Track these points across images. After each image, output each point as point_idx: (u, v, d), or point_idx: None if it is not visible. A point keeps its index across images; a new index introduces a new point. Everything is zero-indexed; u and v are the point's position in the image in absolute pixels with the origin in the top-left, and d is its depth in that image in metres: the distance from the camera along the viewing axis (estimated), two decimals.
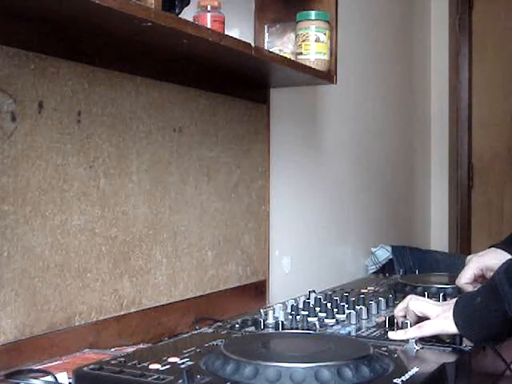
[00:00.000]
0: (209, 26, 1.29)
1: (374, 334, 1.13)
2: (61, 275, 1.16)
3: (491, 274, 1.34)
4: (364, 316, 1.25)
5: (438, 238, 3.22)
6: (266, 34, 1.73)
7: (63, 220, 1.16)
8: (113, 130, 1.27)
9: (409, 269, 2.27)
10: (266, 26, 1.73)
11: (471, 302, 1.05)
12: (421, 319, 1.10)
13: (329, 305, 1.30)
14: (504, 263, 1.05)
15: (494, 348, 1.08)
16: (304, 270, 2.02)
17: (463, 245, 3.33)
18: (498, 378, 1.16)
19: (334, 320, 1.23)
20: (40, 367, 1.04)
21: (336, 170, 2.25)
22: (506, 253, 1.37)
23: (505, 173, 3.33)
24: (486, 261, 1.38)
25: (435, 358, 0.97)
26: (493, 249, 1.41)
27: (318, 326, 1.18)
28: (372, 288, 1.61)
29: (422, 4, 3.17)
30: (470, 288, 1.37)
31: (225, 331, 1.13)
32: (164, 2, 1.11)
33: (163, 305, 1.40)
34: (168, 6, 1.18)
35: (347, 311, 1.26)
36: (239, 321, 1.20)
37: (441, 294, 1.35)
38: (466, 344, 1.04)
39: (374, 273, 2.33)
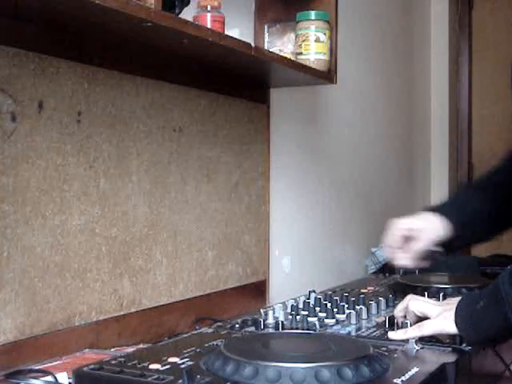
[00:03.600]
0: (209, 26, 1.29)
1: (374, 334, 1.13)
2: (61, 275, 1.16)
3: (421, 235, 1.33)
4: (364, 316, 1.25)
5: None
6: (266, 34, 1.73)
7: (63, 220, 1.16)
8: (113, 129, 1.27)
9: (409, 269, 2.27)
10: (265, 26, 1.73)
11: (473, 304, 1.05)
12: (421, 319, 1.10)
13: (329, 305, 1.30)
14: (508, 268, 1.05)
15: (494, 348, 1.08)
16: (304, 270, 2.02)
17: None
18: (498, 378, 1.16)
19: (334, 320, 1.23)
20: (40, 367, 1.04)
21: (336, 170, 2.25)
22: (438, 216, 1.34)
23: None
24: (414, 222, 1.35)
25: (435, 358, 0.97)
26: (424, 213, 1.37)
27: (317, 326, 1.18)
28: (372, 288, 1.61)
29: (422, 4, 3.17)
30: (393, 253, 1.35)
31: (225, 331, 1.13)
32: (164, 2, 1.11)
33: (163, 305, 1.40)
34: (168, 6, 1.17)
35: (347, 311, 1.26)
36: (239, 321, 1.20)
37: (441, 294, 1.35)
38: (466, 344, 1.04)
39: (373, 273, 2.33)
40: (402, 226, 1.36)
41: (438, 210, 1.37)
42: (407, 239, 1.36)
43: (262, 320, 1.18)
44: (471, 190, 1.42)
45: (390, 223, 1.39)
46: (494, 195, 1.37)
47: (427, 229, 1.35)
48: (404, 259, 1.36)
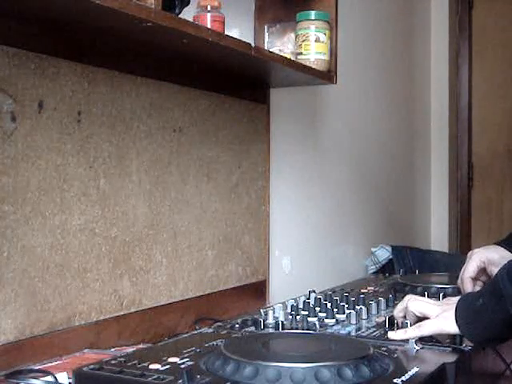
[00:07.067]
0: (209, 26, 1.29)
1: (374, 334, 1.13)
2: (61, 275, 1.16)
3: (493, 268, 1.36)
4: (364, 316, 1.26)
5: (438, 238, 3.22)
6: (266, 34, 1.73)
7: (63, 220, 1.16)
8: (113, 130, 1.27)
9: (409, 269, 2.27)
10: (266, 26, 1.73)
11: (473, 303, 1.05)
12: (420, 319, 1.10)
13: (329, 305, 1.30)
14: (505, 264, 1.05)
15: (494, 348, 1.08)
16: (304, 270, 2.02)
17: (463, 245, 3.33)
18: (498, 378, 1.16)
19: (333, 320, 1.23)
20: (40, 367, 1.04)
21: (336, 170, 2.25)
22: (506, 250, 1.39)
23: (505, 172, 3.33)
24: (488, 255, 1.40)
25: (435, 358, 0.97)
26: (494, 245, 1.43)
27: (317, 326, 1.18)
28: (372, 288, 1.61)
29: (422, 4, 3.17)
30: (470, 285, 1.38)
31: (225, 331, 1.13)
32: (164, 2, 1.11)
33: (163, 305, 1.40)
34: (168, 6, 1.17)
35: (347, 311, 1.26)
36: (239, 321, 1.20)
37: (441, 294, 1.35)
38: (466, 344, 1.04)
39: (373, 273, 2.33)
40: (481, 257, 1.40)
41: (507, 244, 1.42)
42: (481, 271, 1.41)
43: (261, 320, 1.18)
44: None
45: (469, 254, 1.45)
46: None
47: (501, 261, 1.39)
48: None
